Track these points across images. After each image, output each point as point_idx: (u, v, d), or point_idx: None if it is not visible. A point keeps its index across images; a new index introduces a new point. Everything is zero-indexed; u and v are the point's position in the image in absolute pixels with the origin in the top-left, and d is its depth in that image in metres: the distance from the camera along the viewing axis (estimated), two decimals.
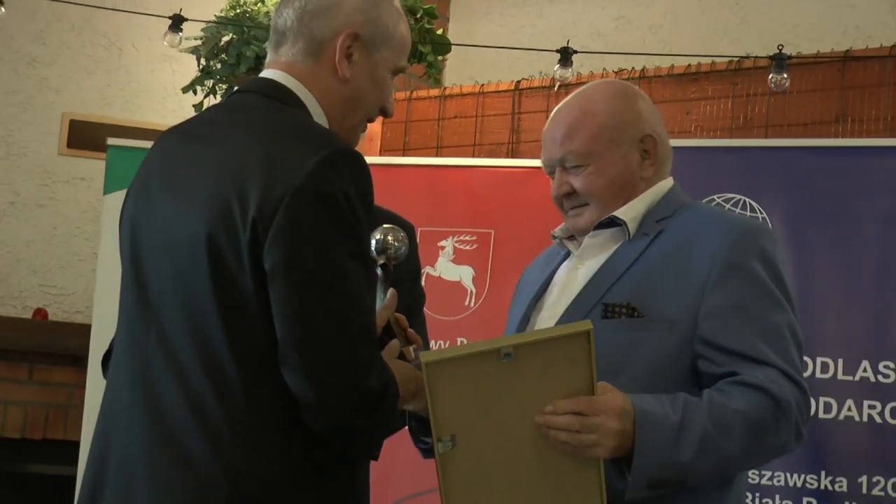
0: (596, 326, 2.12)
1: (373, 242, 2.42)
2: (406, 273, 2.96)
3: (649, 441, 2.14)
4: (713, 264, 2.34)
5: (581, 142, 2.50)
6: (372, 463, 2.30)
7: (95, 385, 4.45)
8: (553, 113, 2.59)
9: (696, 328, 2.32)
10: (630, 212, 2.49)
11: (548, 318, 2.47)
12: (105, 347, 3.08)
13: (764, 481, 4.17)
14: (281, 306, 2.01)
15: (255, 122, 2.18)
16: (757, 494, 4.18)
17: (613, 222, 2.49)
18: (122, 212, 2.26)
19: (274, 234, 2.00)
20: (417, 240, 3.05)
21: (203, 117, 2.31)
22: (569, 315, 2.41)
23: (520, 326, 2.55)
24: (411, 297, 2.95)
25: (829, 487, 4.09)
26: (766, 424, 2.23)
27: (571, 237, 2.61)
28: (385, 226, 2.49)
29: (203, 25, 5.36)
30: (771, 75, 4.79)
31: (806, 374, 4.11)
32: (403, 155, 5.89)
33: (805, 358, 4.11)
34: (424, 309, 3.01)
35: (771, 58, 4.80)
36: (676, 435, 2.16)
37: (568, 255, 2.61)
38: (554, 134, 2.54)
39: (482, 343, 2.13)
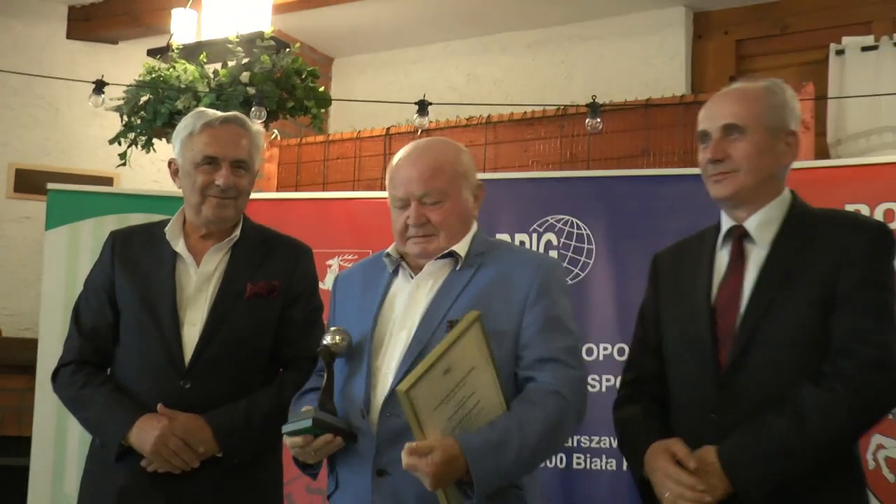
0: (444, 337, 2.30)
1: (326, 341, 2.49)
2: (306, 288, 2.99)
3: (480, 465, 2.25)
4: (530, 290, 2.46)
5: (442, 182, 2.53)
6: None
7: (43, 390, 4.40)
8: (406, 159, 2.59)
9: (519, 336, 2.45)
10: (462, 247, 2.55)
11: (399, 329, 2.51)
12: (50, 359, 3.03)
13: (593, 444, 4.17)
14: None
15: None
16: (587, 455, 4.17)
17: (449, 254, 2.54)
18: None
19: None
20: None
21: None
22: (422, 328, 2.46)
23: (370, 332, 2.54)
24: (311, 307, 2.99)
25: None
26: (561, 423, 2.38)
27: (401, 259, 2.62)
28: (333, 328, 2.54)
29: (125, 88, 5.30)
30: (587, 120, 4.84)
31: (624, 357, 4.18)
32: (296, 190, 5.86)
33: (624, 345, 4.18)
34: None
35: (588, 106, 4.85)
36: (497, 456, 2.28)
37: (392, 273, 2.61)
38: (413, 174, 2.54)
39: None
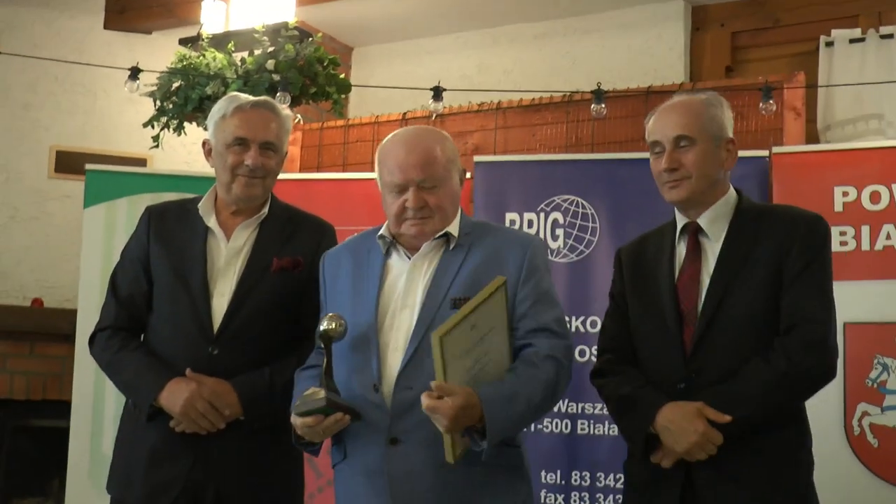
0: (449, 315, 2.34)
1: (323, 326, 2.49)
2: None
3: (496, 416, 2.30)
4: (521, 268, 2.50)
5: (438, 168, 2.54)
6: None
7: (82, 357, 4.38)
8: (400, 146, 2.57)
9: (514, 309, 2.48)
10: (454, 228, 2.57)
11: (402, 308, 2.51)
12: (88, 328, 3.03)
13: (596, 411, 4.15)
14: None
15: None
16: (591, 421, 4.16)
17: (443, 234, 2.55)
18: None
19: None
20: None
21: None
22: (427, 306, 2.48)
23: (374, 311, 2.53)
24: None
25: None
26: (558, 384, 2.44)
27: (393, 241, 2.62)
28: (330, 314, 2.52)
29: (158, 75, 5.31)
30: (592, 105, 4.82)
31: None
32: (318, 171, 5.83)
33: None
34: None
35: (592, 92, 4.83)
36: (509, 408, 2.33)
37: (385, 252, 2.59)
38: (411, 161, 2.53)
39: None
